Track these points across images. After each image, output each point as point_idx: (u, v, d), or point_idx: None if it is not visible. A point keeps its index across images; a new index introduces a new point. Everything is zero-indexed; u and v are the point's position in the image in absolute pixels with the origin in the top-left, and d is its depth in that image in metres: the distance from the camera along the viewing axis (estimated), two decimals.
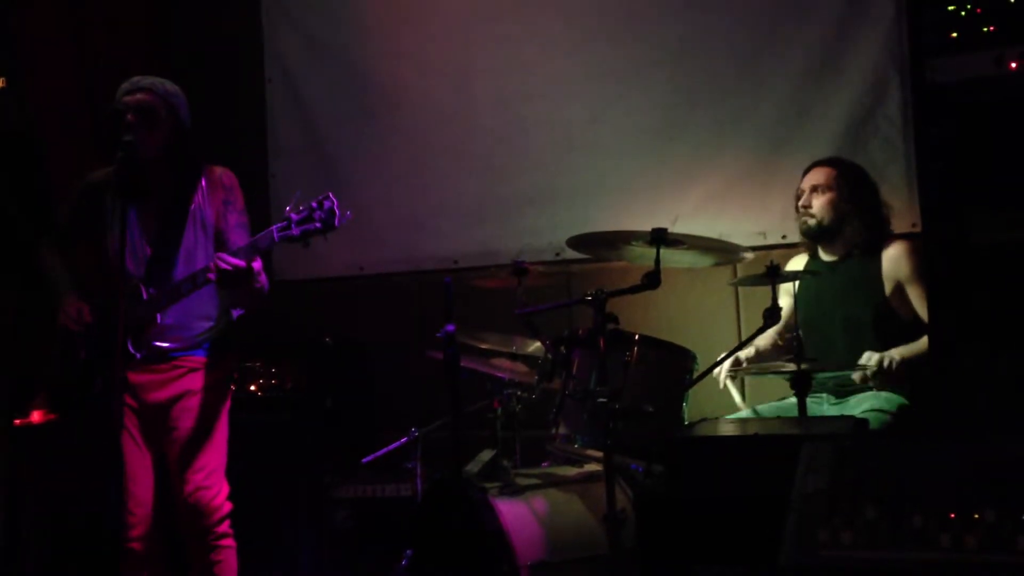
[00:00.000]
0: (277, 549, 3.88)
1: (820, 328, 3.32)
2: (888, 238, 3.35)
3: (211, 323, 2.96)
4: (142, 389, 2.89)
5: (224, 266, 2.64)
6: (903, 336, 3.18)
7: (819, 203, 3.33)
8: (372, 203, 4.57)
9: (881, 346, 3.16)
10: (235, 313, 3.04)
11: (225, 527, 2.90)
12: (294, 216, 2.63)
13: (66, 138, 4.16)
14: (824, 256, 3.41)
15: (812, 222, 3.33)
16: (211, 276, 2.69)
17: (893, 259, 3.27)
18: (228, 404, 3.02)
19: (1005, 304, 3.44)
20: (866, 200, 3.35)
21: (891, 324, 3.23)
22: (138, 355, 2.82)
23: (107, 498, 2.67)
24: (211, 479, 2.89)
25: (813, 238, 3.38)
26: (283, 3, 4.75)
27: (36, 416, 3.61)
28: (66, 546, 3.78)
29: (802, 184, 3.40)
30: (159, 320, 2.83)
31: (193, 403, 2.90)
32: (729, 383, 3.36)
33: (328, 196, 2.62)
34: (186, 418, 2.89)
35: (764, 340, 3.49)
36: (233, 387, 3.09)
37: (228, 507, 2.92)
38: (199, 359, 2.94)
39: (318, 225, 2.61)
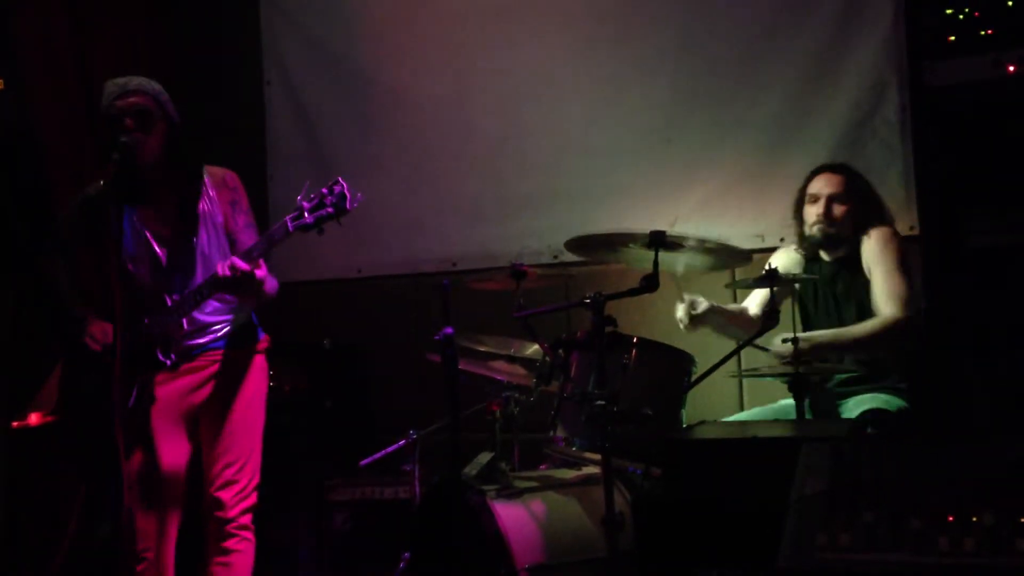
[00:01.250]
0: (275, 551, 3.87)
1: (822, 328, 3.32)
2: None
3: (234, 313, 2.95)
4: (180, 390, 2.87)
5: (228, 272, 2.62)
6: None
7: (840, 212, 3.28)
8: (370, 205, 4.49)
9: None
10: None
11: (247, 520, 2.88)
12: (306, 204, 2.62)
13: (65, 139, 4.16)
14: (825, 256, 3.40)
15: (832, 231, 3.29)
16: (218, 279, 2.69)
17: (866, 246, 3.26)
18: (265, 393, 2.99)
19: (1002, 306, 3.44)
20: (874, 206, 3.35)
21: None
22: (168, 362, 2.81)
23: (109, 502, 2.66)
24: (242, 472, 2.87)
25: (826, 246, 3.34)
26: (282, 5, 4.76)
27: (33, 418, 3.60)
28: (65, 548, 3.77)
29: (811, 189, 3.35)
30: (185, 325, 2.83)
31: (230, 394, 2.89)
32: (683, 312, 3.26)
33: (338, 181, 2.62)
34: (223, 410, 2.87)
35: (754, 308, 3.46)
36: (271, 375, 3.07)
37: (252, 500, 2.90)
38: (231, 352, 2.92)
39: (331, 210, 2.60)
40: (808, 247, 3.40)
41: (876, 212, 3.35)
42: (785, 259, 3.42)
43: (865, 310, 3.22)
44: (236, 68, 4.79)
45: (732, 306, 3.46)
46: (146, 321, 2.79)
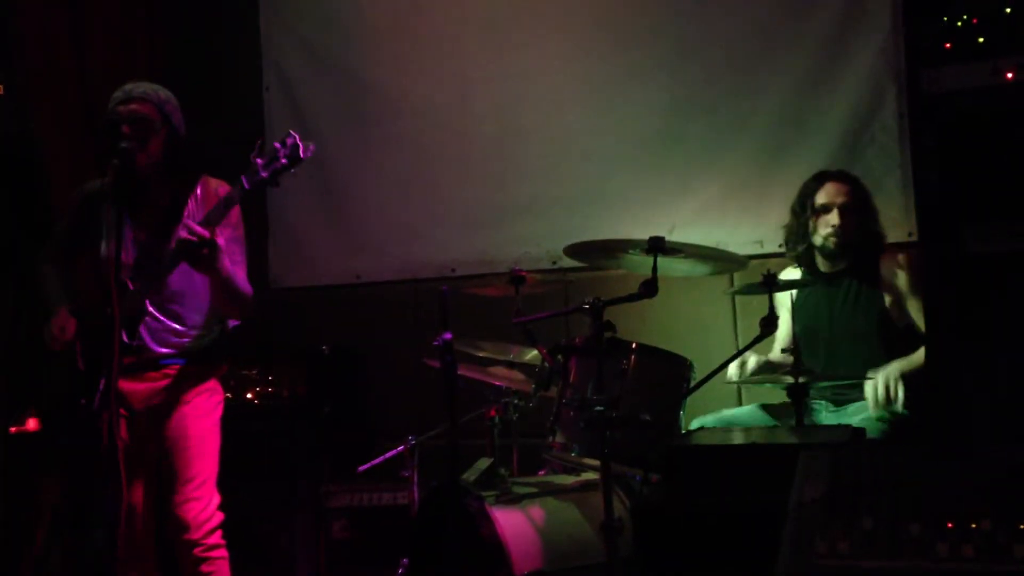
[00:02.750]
0: (273, 558, 3.86)
1: (821, 339, 3.33)
2: (884, 248, 3.36)
3: (203, 331, 2.95)
4: (134, 397, 2.88)
5: (188, 236, 2.61)
6: (902, 344, 3.19)
7: (854, 224, 3.30)
8: (369, 211, 4.58)
9: (883, 354, 3.17)
10: (231, 323, 3.03)
11: (216, 538, 2.89)
12: (260, 161, 2.64)
13: (65, 143, 4.16)
14: (822, 268, 3.41)
15: (846, 243, 3.30)
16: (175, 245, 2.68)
17: (890, 270, 3.28)
18: (220, 413, 3.01)
19: (1001, 313, 3.44)
20: (872, 214, 3.36)
21: (891, 333, 3.24)
22: (133, 343, 2.80)
23: (101, 506, 2.66)
24: (201, 490, 2.88)
25: (832, 256, 3.35)
26: (281, 11, 4.76)
27: (31, 424, 3.60)
28: (62, 554, 3.77)
29: (821, 199, 3.34)
30: (149, 307, 2.81)
31: (184, 411, 2.90)
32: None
33: (290, 133, 2.64)
34: (177, 427, 2.89)
35: (775, 355, 3.49)
36: (227, 395, 3.07)
37: (219, 517, 2.91)
38: (191, 367, 2.94)
39: (284, 162, 2.61)
40: (805, 255, 3.40)
41: (876, 220, 3.37)
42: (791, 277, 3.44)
43: (892, 327, 3.24)
44: (235, 74, 4.79)
45: (775, 357, 3.42)
46: (108, 310, 2.77)
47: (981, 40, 3.00)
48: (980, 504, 1.68)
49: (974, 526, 1.64)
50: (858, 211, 3.32)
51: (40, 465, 3.73)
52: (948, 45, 3.15)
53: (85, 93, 4.23)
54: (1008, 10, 2.91)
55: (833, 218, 3.30)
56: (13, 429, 3.68)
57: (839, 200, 3.31)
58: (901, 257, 3.30)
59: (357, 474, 3.61)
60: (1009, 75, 2.93)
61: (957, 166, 3.69)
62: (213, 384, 3.00)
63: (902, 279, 3.26)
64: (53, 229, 3.16)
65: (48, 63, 4.17)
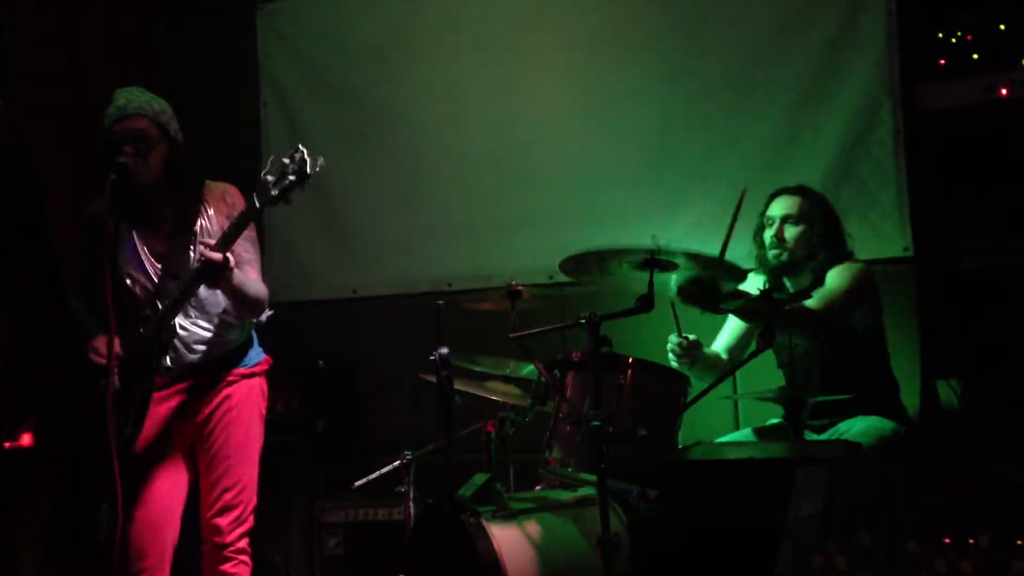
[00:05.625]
0: (267, 574, 3.84)
1: (792, 358, 3.26)
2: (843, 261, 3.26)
3: (234, 332, 2.94)
4: (179, 407, 2.86)
5: (207, 256, 2.61)
6: (866, 354, 3.16)
7: (792, 235, 3.23)
8: (366, 225, 4.58)
9: (848, 368, 3.13)
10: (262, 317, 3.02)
11: (244, 543, 2.87)
12: (269, 179, 2.62)
13: (60, 155, 4.16)
14: (790, 287, 3.31)
15: (785, 256, 3.24)
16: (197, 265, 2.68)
17: (830, 278, 3.18)
18: (262, 416, 2.98)
19: (996, 329, 3.45)
20: (831, 230, 3.26)
21: (854, 346, 3.19)
22: (168, 359, 2.79)
23: (103, 522, 2.64)
24: (240, 496, 2.86)
25: (782, 272, 3.27)
26: (279, 27, 4.78)
27: (26, 439, 3.58)
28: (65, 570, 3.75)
29: (769, 212, 3.30)
30: (178, 329, 2.81)
31: (228, 417, 2.87)
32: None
33: (297, 148, 2.63)
34: (216, 432, 2.86)
35: (712, 348, 3.42)
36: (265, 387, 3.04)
37: (250, 523, 2.88)
38: (232, 370, 2.92)
39: (293, 178, 2.60)
40: (768, 273, 3.31)
41: (835, 236, 3.26)
42: (753, 288, 3.39)
43: (855, 340, 3.19)
44: (232, 89, 4.80)
45: (709, 350, 3.37)
46: (140, 331, 2.78)
47: (975, 56, 3.02)
48: (978, 520, 1.68)
49: (972, 542, 1.64)
50: (803, 223, 3.23)
51: (36, 479, 3.72)
52: (943, 61, 3.17)
53: (81, 108, 4.24)
54: (1002, 27, 2.93)
55: (773, 229, 3.26)
56: (8, 444, 3.66)
57: (780, 212, 3.26)
58: (839, 267, 3.20)
59: (352, 489, 3.59)
60: (1003, 91, 2.95)
61: (952, 181, 3.70)
62: (257, 384, 2.98)
63: (831, 284, 3.15)
64: (73, 261, 3.12)
65: (43, 76, 4.18)
